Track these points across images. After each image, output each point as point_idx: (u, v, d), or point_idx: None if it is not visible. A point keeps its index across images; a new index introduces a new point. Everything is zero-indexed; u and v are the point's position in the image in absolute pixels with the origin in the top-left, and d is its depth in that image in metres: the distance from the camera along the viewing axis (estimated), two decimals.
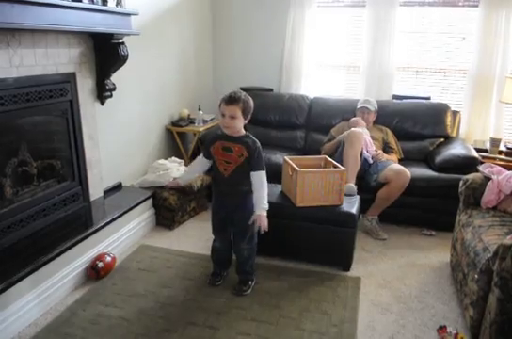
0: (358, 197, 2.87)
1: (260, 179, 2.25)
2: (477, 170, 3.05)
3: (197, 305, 2.32)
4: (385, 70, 4.10)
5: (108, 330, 2.11)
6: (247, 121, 2.23)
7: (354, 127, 3.36)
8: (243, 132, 2.26)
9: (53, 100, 2.54)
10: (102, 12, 2.58)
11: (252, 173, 2.24)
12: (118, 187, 3.25)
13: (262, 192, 2.25)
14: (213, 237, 2.52)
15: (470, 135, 4.01)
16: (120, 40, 2.81)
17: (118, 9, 2.71)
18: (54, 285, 2.31)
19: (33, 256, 2.24)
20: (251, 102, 2.21)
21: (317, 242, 2.70)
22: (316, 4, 4.19)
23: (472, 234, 2.34)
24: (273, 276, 2.61)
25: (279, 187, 2.92)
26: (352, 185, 2.95)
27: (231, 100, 2.14)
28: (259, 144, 2.25)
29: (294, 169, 2.64)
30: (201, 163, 2.43)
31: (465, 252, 2.33)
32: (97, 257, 2.57)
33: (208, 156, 2.35)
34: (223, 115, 2.18)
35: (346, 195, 2.77)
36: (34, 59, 2.36)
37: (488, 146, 3.76)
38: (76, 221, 2.72)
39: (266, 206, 2.25)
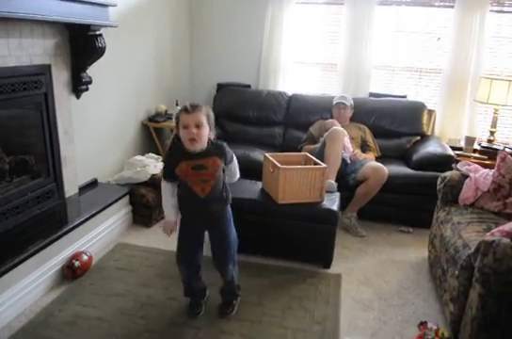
0: (338, 194, 2.87)
1: (234, 169, 2.14)
2: (452, 168, 3.12)
3: (178, 304, 2.28)
4: (362, 68, 4.13)
5: (87, 332, 2.04)
6: (212, 135, 1.97)
7: (330, 128, 3.35)
8: (206, 143, 1.95)
9: (27, 92, 2.43)
10: (78, 2, 2.49)
11: (227, 166, 2.08)
12: (93, 184, 3.16)
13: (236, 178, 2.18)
14: None
15: (444, 133, 4.08)
16: (98, 32, 2.72)
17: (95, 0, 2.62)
18: (28, 286, 2.22)
19: (5, 255, 2.14)
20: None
21: (298, 239, 2.70)
22: (295, 1, 4.18)
23: (451, 230, 2.38)
24: (254, 273, 2.59)
25: (259, 185, 2.90)
26: (332, 182, 2.96)
27: (192, 107, 1.87)
28: (225, 144, 2.03)
29: (275, 166, 2.61)
30: (170, 189, 2.06)
31: (444, 249, 2.36)
32: (73, 256, 2.49)
33: (172, 179, 2.03)
34: (186, 127, 1.86)
35: (327, 192, 2.77)
36: (7, 50, 2.25)
37: (462, 144, 3.84)
38: (51, 219, 2.62)
39: None
